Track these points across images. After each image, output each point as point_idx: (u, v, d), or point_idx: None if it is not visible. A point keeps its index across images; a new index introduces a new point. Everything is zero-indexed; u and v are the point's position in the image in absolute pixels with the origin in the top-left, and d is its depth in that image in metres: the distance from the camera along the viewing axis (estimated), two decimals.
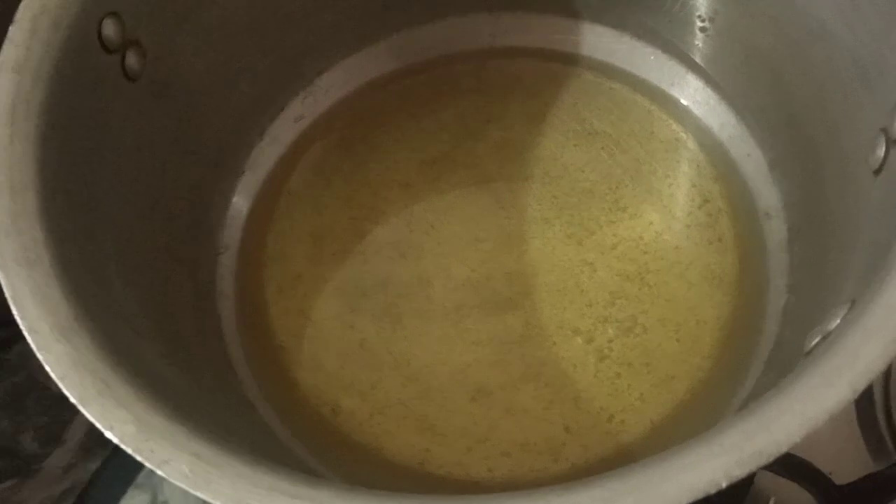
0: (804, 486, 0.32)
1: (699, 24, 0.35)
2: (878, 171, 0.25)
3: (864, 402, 0.35)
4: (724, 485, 0.17)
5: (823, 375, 0.18)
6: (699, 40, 0.36)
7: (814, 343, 0.22)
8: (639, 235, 0.35)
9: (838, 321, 0.21)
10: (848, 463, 0.35)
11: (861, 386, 0.18)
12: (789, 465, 0.32)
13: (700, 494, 0.17)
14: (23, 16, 0.24)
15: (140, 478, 0.38)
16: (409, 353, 0.34)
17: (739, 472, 0.17)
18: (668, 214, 0.35)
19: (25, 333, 0.20)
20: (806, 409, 0.18)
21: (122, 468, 0.38)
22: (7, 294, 0.21)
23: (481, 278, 0.35)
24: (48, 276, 0.21)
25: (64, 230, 0.23)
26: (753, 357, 0.32)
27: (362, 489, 0.20)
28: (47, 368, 0.20)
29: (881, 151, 0.24)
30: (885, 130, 0.24)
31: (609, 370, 0.33)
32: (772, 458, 0.17)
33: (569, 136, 0.38)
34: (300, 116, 0.39)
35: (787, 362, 0.28)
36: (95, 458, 0.38)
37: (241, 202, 0.37)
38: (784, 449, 0.17)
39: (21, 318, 0.20)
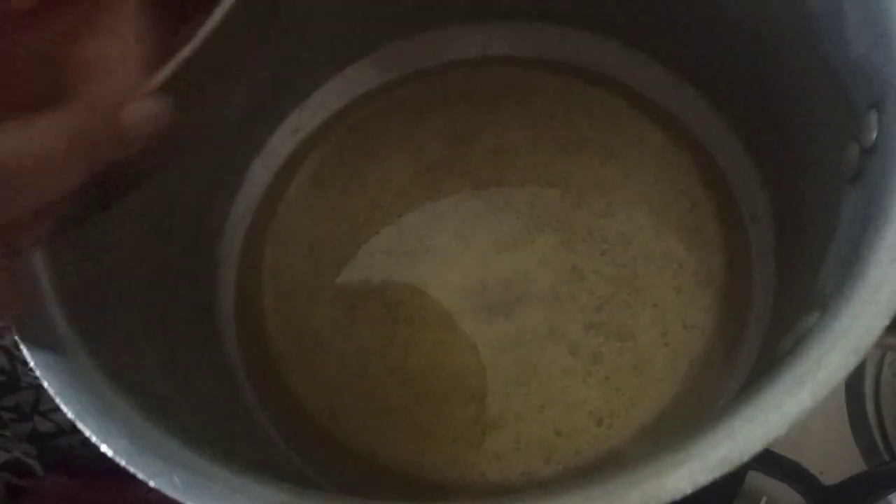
0: (792, 486, 0.33)
1: (685, 32, 0.36)
2: (852, 180, 0.25)
3: (855, 402, 0.36)
4: (689, 491, 0.18)
5: (786, 385, 0.19)
6: (686, 48, 0.36)
7: (786, 349, 0.23)
8: (628, 241, 0.36)
9: (809, 328, 0.22)
10: (839, 463, 0.35)
11: (822, 395, 0.18)
12: (779, 466, 0.33)
13: (667, 499, 0.18)
14: None
15: None
16: (404, 359, 0.35)
17: (704, 479, 0.18)
18: (657, 220, 0.36)
19: (24, 351, 0.21)
20: (769, 418, 0.18)
21: None
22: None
23: (475, 284, 0.36)
24: (47, 294, 0.22)
25: (62, 252, 0.24)
26: (740, 360, 0.33)
27: (351, 498, 0.21)
28: (45, 384, 0.20)
29: (854, 160, 0.25)
30: (857, 139, 0.25)
31: (599, 374, 0.33)
32: (735, 466, 0.18)
33: (560, 144, 0.38)
34: (297, 129, 0.39)
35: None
36: None
37: (239, 214, 0.38)
38: (747, 457, 0.18)
39: (20, 336, 0.21)
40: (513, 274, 0.36)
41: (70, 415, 0.20)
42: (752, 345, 0.32)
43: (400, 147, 0.39)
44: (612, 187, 0.37)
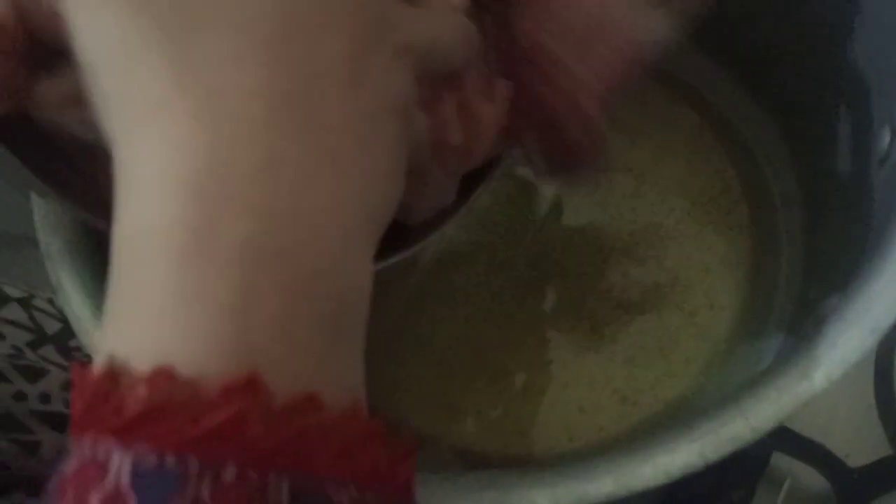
0: (817, 468, 0.33)
1: (721, 16, 0.35)
2: (882, 162, 0.25)
3: (883, 386, 0.35)
4: (700, 466, 0.18)
5: (801, 366, 0.19)
6: (721, 31, 0.36)
7: (808, 329, 0.23)
8: (659, 222, 0.36)
9: (828, 309, 0.22)
10: (865, 446, 0.35)
11: (836, 375, 0.18)
12: (804, 448, 0.33)
13: (678, 474, 0.18)
14: None
15: None
16: (433, 335, 0.35)
17: (714, 455, 0.18)
18: (686, 201, 0.36)
19: (72, 323, 0.22)
20: (781, 398, 0.18)
21: None
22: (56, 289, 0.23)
23: (503, 263, 0.36)
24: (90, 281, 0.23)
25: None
26: (766, 341, 0.32)
27: None
28: (90, 352, 0.22)
29: (885, 142, 0.25)
30: (889, 120, 0.25)
31: (625, 353, 0.34)
32: (746, 442, 0.18)
33: None
34: None
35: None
36: None
37: None
38: (759, 434, 0.18)
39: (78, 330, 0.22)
40: (541, 253, 0.36)
41: None
42: (779, 326, 0.32)
43: None
44: (642, 168, 0.37)
